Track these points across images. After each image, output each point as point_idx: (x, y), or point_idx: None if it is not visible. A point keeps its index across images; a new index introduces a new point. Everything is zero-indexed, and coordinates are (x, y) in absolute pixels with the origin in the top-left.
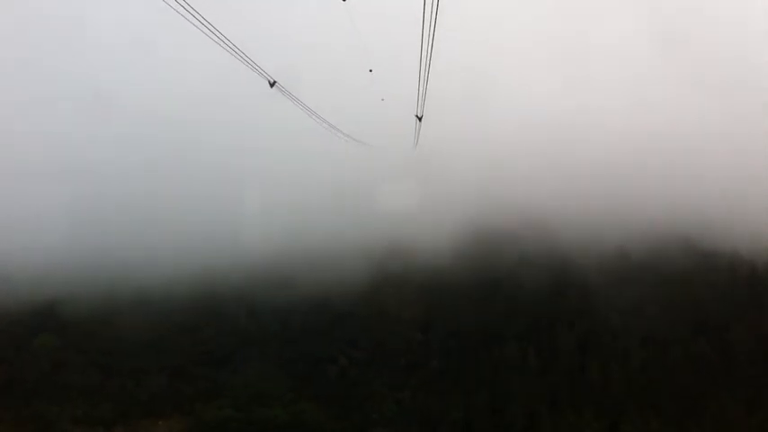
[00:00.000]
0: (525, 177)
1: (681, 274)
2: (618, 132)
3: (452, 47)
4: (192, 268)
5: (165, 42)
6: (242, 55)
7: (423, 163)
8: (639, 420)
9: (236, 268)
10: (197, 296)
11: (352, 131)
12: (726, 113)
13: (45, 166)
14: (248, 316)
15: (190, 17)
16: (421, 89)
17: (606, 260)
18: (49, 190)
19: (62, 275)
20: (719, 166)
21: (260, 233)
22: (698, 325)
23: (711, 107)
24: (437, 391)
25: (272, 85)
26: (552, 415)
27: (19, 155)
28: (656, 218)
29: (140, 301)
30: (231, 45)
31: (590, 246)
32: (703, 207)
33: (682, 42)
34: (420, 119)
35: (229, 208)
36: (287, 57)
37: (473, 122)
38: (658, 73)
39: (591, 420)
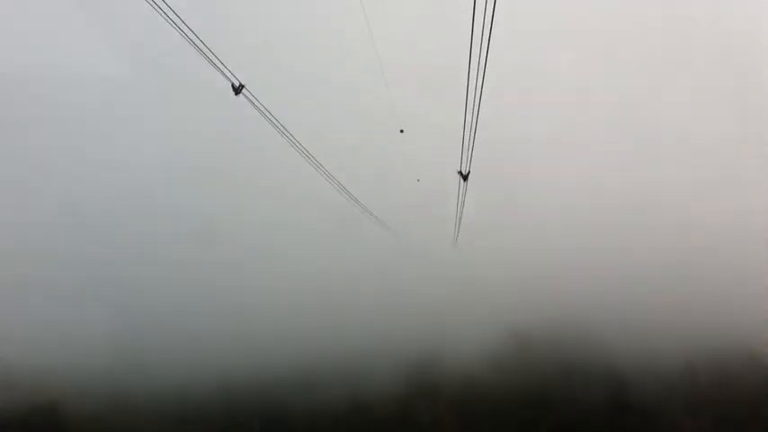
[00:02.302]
0: (574, 280)
1: (752, 393)
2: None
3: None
4: (207, 371)
5: None
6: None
7: (460, 262)
8: None
9: (254, 374)
10: (211, 403)
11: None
12: None
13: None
14: (263, 428)
15: None
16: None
17: (671, 379)
18: (52, 282)
19: (65, 373)
20: None
21: (279, 335)
22: None
23: None
24: None
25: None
26: None
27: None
28: (721, 328)
29: (148, 406)
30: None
31: (651, 361)
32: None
33: None
34: (465, 177)
35: (247, 306)
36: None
37: (515, 219)
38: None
39: None
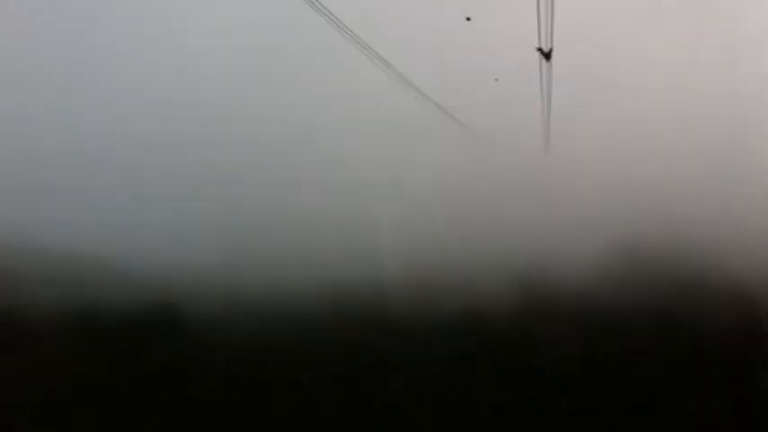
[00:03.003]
0: (686, 189)
1: None
2: None
3: None
4: (323, 276)
5: None
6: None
7: (553, 171)
8: None
9: (366, 281)
10: (326, 309)
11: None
12: None
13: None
14: (379, 335)
15: None
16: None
17: None
18: (162, 181)
19: (179, 277)
20: None
21: (393, 244)
22: None
23: None
24: None
25: None
26: None
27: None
28: None
29: (267, 310)
30: None
31: None
32: None
33: None
34: (547, 55)
35: (359, 214)
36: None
37: (622, 111)
38: None
39: None
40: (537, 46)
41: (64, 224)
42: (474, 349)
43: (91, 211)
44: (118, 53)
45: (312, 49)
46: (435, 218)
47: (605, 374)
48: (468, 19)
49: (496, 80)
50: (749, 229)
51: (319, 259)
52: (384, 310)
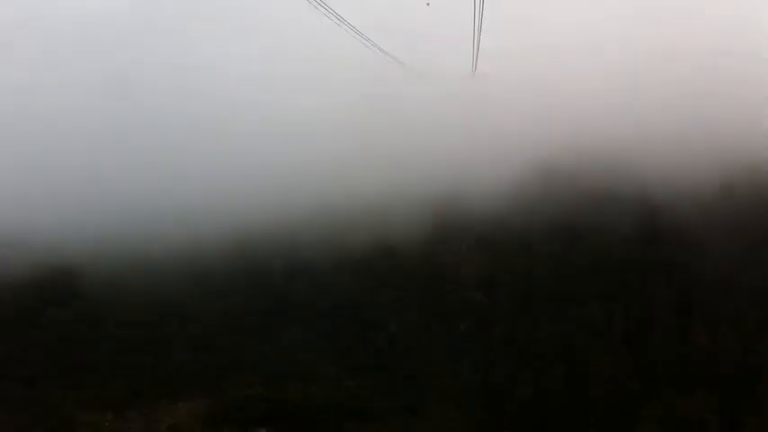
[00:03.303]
0: (600, 104)
1: None
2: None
3: None
4: (226, 224)
5: None
6: None
7: (479, 94)
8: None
9: (274, 223)
10: (230, 256)
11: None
12: None
13: (59, 118)
14: (285, 277)
15: None
16: None
17: (705, 200)
18: (64, 144)
19: (81, 238)
20: None
21: (300, 181)
22: None
23: None
24: (503, 362)
25: None
26: (647, 394)
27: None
28: (756, 146)
29: (163, 264)
30: None
31: (683, 183)
32: None
33: None
34: None
35: (267, 154)
36: None
37: (538, 44)
38: None
39: (699, 404)
40: None
41: None
42: (379, 282)
43: None
44: None
45: None
46: (351, 149)
47: (506, 294)
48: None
49: (428, 4)
50: (658, 140)
51: (229, 205)
52: (292, 251)
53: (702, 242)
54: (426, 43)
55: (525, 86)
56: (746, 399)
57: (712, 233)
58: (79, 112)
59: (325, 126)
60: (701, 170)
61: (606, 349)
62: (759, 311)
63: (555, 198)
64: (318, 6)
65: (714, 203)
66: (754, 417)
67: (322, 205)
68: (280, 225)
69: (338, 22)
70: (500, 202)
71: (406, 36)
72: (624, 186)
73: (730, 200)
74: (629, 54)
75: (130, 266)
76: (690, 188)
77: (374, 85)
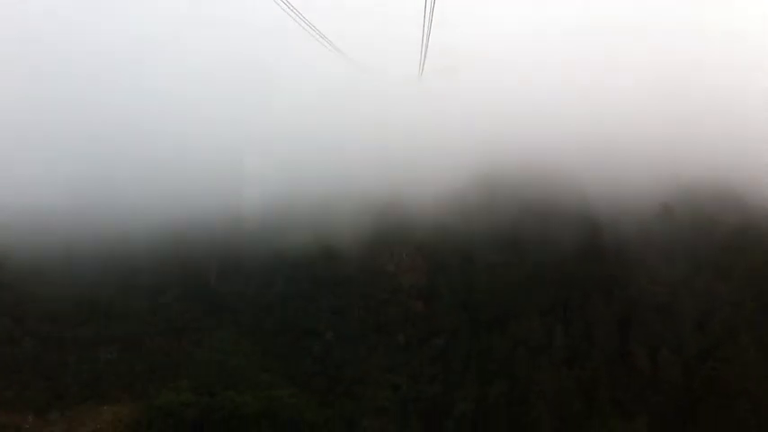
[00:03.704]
0: (546, 120)
1: (733, 237)
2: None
3: None
4: (159, 218)
5: None
6: None
7: (426, 99)
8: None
9: (209, 220)
10: (160, 253)
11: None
12: None
13: None
14: (219, 277)
15: None
16: None
17: (645, 218)
18: None
19: (4, 227)
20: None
21: (238, 178)
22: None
23: None
24: (443, 376)
25: None
26: (588, 413)
27: None
28: (697, 167)
29: (90, 258)
30: None
31: (626, 203)
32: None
33: None
34: None
35: (204, 148)
36: None
37: (486, 52)
38: None
39: (641, 426)
40: None
41: None
42: (314, 286)
43: None
44: None
45: None
46: (292, 147)
47: (446, 305)
48: None
49: None
50: (601, 155)
51: (161, 199)
52: (227, 250)
53: (642, 261)
54: (375, 42)
55: (471, 93)
56: (688, 425)
57: (652, 252)
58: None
59: (267, 123)
60: (642, 188)
61: (547, 366)
62: (699, 335)
63: (497, 208)
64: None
65: (654, 222)
66: None
67: (260, 203)
68: (215, 222)
69: (289, 12)
70: (441, 209)
71: (354, 33)
72: (566, 200)
73: (670, 219)
74: (573, 69)
75: (55, 258)
76: (631, 206)
77: (319, 83)
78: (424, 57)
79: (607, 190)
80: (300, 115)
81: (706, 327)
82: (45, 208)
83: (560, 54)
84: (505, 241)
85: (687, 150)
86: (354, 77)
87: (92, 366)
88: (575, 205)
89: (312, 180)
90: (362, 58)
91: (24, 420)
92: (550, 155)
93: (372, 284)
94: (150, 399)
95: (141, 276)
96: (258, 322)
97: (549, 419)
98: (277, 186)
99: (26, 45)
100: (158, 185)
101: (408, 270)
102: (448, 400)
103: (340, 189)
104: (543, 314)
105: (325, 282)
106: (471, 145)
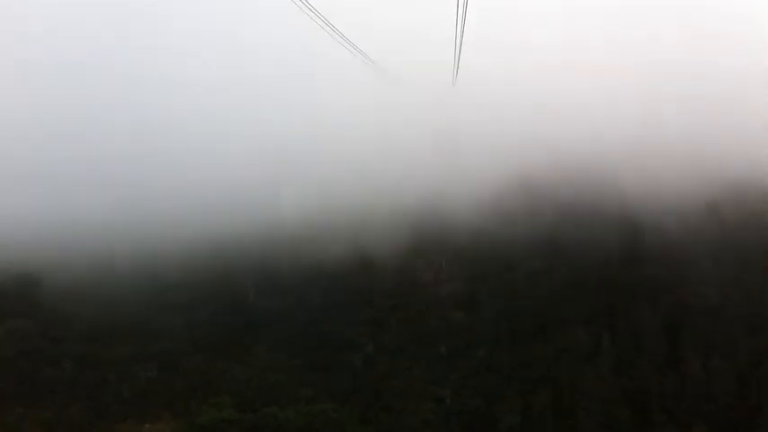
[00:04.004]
0: (582, 120)
1: None
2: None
3: None
4: (194, 233)
5: None
6: None
7: (461, 105)
8: None
9: (246, 235)
10: (196, 269)
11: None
12: None
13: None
14: (258, 292)
15: None
16: None
17: (692, 220)
18: (26, 148)
19: (40, 245)
20: None
21: (275, 192)
22: None
23: None
24: (486, 387)
25: None
26: (638, 424)
27: None
28: (743, 164)
29: (126, 276)
30: None
31: (670, 202)
32: None
33: None
34: None
35: (238, 163)
36: None
37: (521, 58)
38: None
39: None
40: None
41: None
42: (352, 298)
43: None
44: None
45: None
46: (327, 158)
47: (488, 315)
48: None
49: None
50: (642, 155)
51: (196, 215)
52: (263, 265)
53: (689, 263)
54: (408, 50)
55: (506, 97)
56: None
57: (698, 253)
58: (45, 119)
59: (301, 135)
60: (686, 187)
61: (594, 375)
62: (752, 339)
63: (535, 213)
64: (304, 8)
65: (699, 222)
66: None
67: (296, 215)
68: (251, 237)
69: (323, 24)
70: (479, 215)
71: (387, 40)
72: (606, 202)
73: (716, 219)
74: (613, 68)
75: (91, 277)
76: (674, 206)
77: (355, 93)
78: (458, 62)
79: (648, 190)
80: (334, 126)
81: (758, 330)
82: (80, 226)
83: (598, 54)
84: (545, 247)
85: (732, 147)
86: (388, 86)
87: (131, 385)
88: (615, 207)
89: (347, 190)
90: (396, 66)
91: None
92: (588, 156)
93: (411, 295)
94: (192, 416)
95: (177, 293)
96: (296, 336)
97: (597, 429)
98: (312, 198)
99: (61, 71)
100: (193, 200)
101: (447, 279)
102: (492, 412)
103: (375, 199)
104: (587, 322)
105: (363, 294)
106: (507, 149)
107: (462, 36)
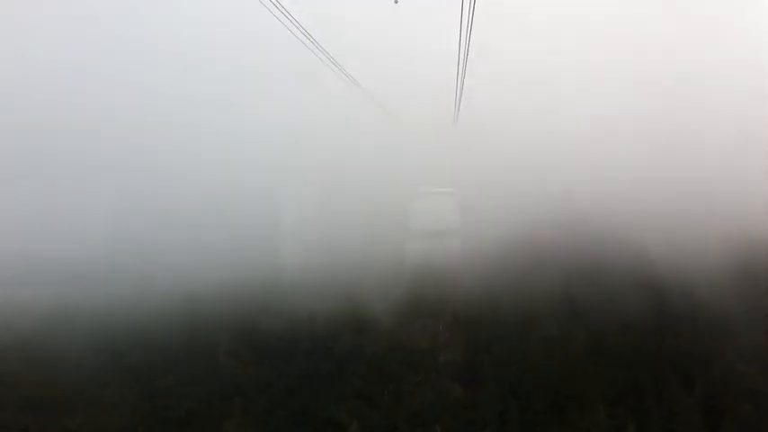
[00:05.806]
0: (595, 172)
1: None
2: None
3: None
4: (164, 287)
5: None
6: None
7: (461, 152)
8: None
9: (221, 291)
10: (161, 326)
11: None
12: None
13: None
14: (228, 355)
15: None
16: None
17: (722, 284)
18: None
19: None
20: None
21: (251, 245)
22: None
23: None
24: None
25: None
26: None
27: None
28: None
29: (81, 334)
30: None
31: (696, 264)
32: None
33: None
34: None
35: (222, 211)
36: None
37: (527, 99)
38: None
39: None
40: None
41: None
42: (340, 365)
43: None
44: None
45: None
46: (319, 209)
47: (491, 389)
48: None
49: (396, 2)
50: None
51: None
52: (241, 324)
53: (722, 332)
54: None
55: (510, 143)
56: None
57: (736, 324)
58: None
59: (292, 182)
60: (713, 247)
61: None
62: None
63: (546, 274)
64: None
65: (733, 287)
66: None
67: (281, 271)
68: (228, 292)
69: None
70: (481, 276)
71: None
72: (625, 263)
73: (751, 281)
74: (628, 109)
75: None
76: (703, 268)
77: (352, 138)
78: (459, 102)
79: (672, 250)
80: (328, 170)
81: None
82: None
83: (613, 94)
84: (559, 316)
85: (762, 202)
86: (391, 126)
87: None
88: (635, 269)
89: (337, 245)
90: (396, 108)
91: None
92: (603, 211)
93: (404, 363)
94: None
95: (137, 356)
96: (273, 409)
97: None
98: (299, 248)
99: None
100: (173, 250)
101: (446, 346)
102: None
103: (367, 255)
104: (611, 402)
105: (351, 360)
106: (512, 202)
107: (464, 76)
